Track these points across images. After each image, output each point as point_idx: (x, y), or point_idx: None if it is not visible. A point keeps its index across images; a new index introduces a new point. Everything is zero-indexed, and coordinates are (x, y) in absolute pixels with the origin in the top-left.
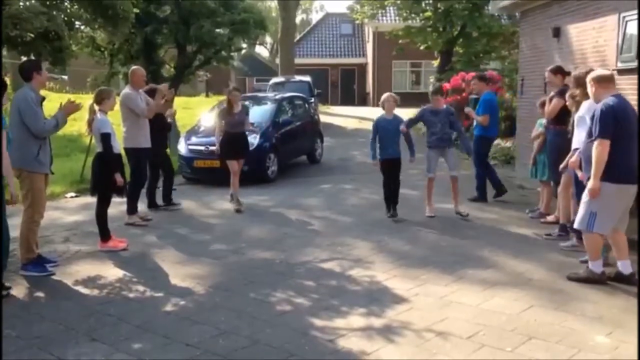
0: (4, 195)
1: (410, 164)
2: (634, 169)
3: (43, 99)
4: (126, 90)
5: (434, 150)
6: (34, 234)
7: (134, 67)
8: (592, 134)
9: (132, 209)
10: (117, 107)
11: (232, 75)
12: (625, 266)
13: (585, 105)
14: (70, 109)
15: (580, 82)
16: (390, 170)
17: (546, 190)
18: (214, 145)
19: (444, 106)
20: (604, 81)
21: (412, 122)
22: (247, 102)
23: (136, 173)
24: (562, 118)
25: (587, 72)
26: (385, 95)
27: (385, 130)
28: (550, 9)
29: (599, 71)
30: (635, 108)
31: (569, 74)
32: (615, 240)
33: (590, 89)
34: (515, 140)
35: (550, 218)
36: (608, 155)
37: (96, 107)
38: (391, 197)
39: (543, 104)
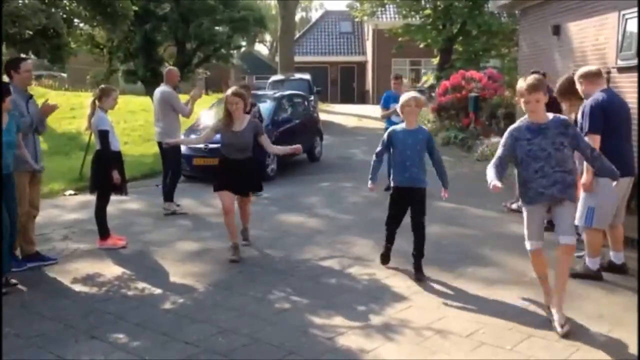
0: (12, 193)
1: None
2: (626, 161)
3: (30, 96)
4: (166, 88)
5: (537, 204)
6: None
7: (169, 67)
8: (582, 129)
9: (169, 197)
10: (122, 107)
11: (231, 73)
12: (618, 257)
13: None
14: (47, 110)
15: (561, 91)
16: (407, 204)
17: None
18: (213, 143)
19: (550, 116)
20: (592, 77)
21: (502, 161)
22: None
23: (175, 165)
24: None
25: (567, 82)
26: (404, 98)
27: (404, 145)
28: (550, 7)
29: (586, 68)
30: (636, 106)
31: (544, 75)
32: (613, 234)
33: (579, 87)
34: None
35: (514, 206)
36: (599, 150)
37: (97, 104)
38: (415, 249)
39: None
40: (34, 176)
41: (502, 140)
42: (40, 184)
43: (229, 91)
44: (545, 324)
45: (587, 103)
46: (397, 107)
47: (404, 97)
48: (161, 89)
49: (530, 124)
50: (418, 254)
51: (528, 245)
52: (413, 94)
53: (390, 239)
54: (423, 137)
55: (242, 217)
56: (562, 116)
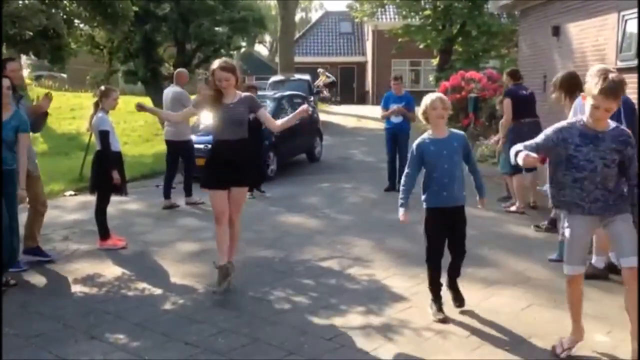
0: (12, 194)
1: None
2: None
3: (20, 97)
4: (178, 88)
5: (583, 218)
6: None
7: (179, 69)
8: None
9: (188, 192)
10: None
11: None
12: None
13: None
14: (35, 110)
15: (562, 84)
16: (449, 228)
17: (508, 181)
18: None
19: (612, 125)
20: None
21: (537, 146)
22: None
23: (189, 161)
24: (515, 114)
25: (568, 76)
26: (429, 99)
27: (438, 158)
28: (549, 8)
29: (603, 65)
30: (636, 107)
31: (521, 77)
32: None
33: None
34: None
35: (512, 208)
36: None
37: (100, 104)
38: (453, 269)
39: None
40: (28, 176)
41: (547, 130)
42: (40, 180)
43: (216, 64)
44: (545, 324)
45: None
46: (419, 111)
47: (427, 99)
48: (173, 89)
49: (586, 129)
50: (456, 274)
51: (566, 269)
52: (437, 94)
53: (436, 278)
54: (459, 144)
55: (229, 240)
56: (625, 129)
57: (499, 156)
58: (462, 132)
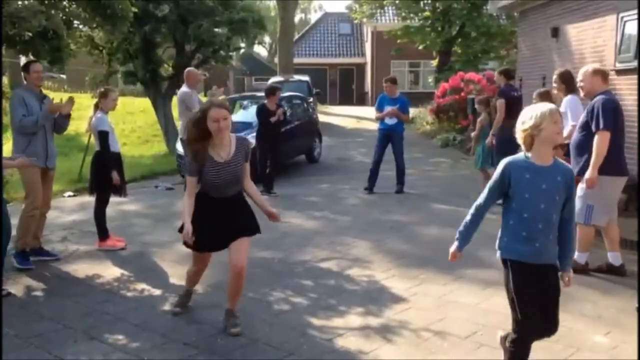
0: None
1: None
2: (624, 161)
3: (44, 97)
4: (184, 89)
5: None
6: (27, 226)
7: (189, 68)
8: (586, 126)
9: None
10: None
11: (230, 74)
12: (615, 258)
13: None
14: (54, 108)
15: (563, 80)
16: (539, 291)
17: (483, 175)
18: None
19: None
20: (607, 77)
21: None
22: (245, 103)
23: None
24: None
25: (567, 73)
26: (547, 110)
27: (534, 192)
28: (549, 9)
29: (598, 66)
30: (635, 108)
31: (513, 77)
32: (608, 232)
33: (591, 81)
34: None
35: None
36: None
37: (100, 105)
38: None
39: (481, 102)
40: (45, 173)
41: None
42: (52, 181)
43: (214, 102)
44: None
45: (599, 100)
46: (524, 125)
47: (545, 110)
48: (181, 89)
49: None
50: None
51: None
52: (550, 105)
53: None
54: (563, 180)
55: (231, 291)
56: None
57: (474, 151)
58: (569, 166)
